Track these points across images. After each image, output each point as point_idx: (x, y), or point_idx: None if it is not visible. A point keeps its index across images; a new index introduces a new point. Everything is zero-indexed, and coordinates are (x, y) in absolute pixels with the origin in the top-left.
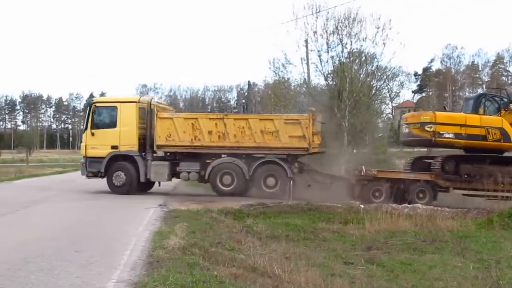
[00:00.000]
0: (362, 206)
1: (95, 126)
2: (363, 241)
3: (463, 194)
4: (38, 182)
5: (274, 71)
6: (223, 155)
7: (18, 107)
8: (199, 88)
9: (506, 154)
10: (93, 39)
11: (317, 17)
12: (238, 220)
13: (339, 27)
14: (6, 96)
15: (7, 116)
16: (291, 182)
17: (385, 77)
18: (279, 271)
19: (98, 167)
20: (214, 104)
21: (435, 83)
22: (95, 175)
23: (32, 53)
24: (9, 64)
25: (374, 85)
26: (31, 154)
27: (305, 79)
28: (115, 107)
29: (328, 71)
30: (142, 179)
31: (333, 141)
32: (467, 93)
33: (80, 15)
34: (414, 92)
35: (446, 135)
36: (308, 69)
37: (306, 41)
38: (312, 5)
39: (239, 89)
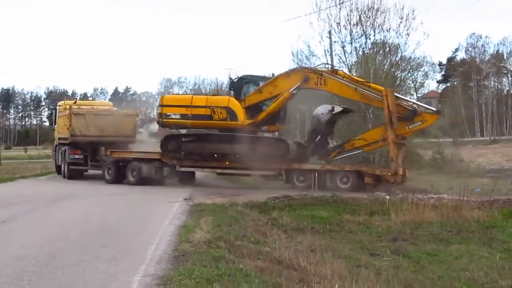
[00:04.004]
0: (388, 197)
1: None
2: (389, 233)
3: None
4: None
5: (298, 63)
6: None
7: (43, 103)
8: (223, 81)
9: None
10: (118, 34)
11: (340, 9)
12: (263, 213)
13: (362, 18)
14: (31, 93)
15: (32, 113)
16: (316, 173)
17: (409, 67)
18: (304, 263)
19: None
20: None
21: (460, 73)
22: None
23: (57, 49)
24: (34, 61)
25: (398, 75)
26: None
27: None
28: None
29: (352, 62)
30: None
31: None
32: (492, 83)
33: (104, 10)
34: (438, 82)
35: (173, 116)
36: (332, 61)
37: (330, 32)
38: None
39: None
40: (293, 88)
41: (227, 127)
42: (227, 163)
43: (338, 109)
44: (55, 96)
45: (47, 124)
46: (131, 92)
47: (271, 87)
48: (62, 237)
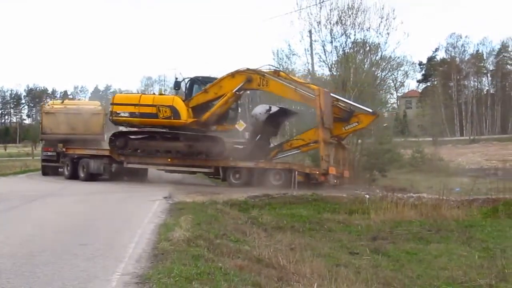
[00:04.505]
0: (368, 196)
1: None
2: (369, 231)
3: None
4: (43, 176)
5: (278, 62)
6: None
7: (23, 101)
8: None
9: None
10: (98, 32)
11: (320, 8)
12: (243, 211)
13: (342, 17)
14: (11, 90)
15: (12, 110)
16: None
17: (389, 67)
18: (284, 262)
19: None
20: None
21: (440, 73)
22: None
23: (37, 47)
24: (14, 59)
25: (378, 75)
26: (36, 147)
27: (309, 69)
28: None
29: (332, 61)
30: None
31: None
32: (472, 82)
33: (85, 8)
34: (419, 81)
35: (123, 114)
36: (312, 60)
37: (310, 31)
38: None
39: None
40: (236, 89)
41: (171, 125)
42: (169, 160)
43: (274, 109)
44: (35, 94)
45: (27, 122)
46: (111, 90)
47: (216, 88)
48: (41, 235)
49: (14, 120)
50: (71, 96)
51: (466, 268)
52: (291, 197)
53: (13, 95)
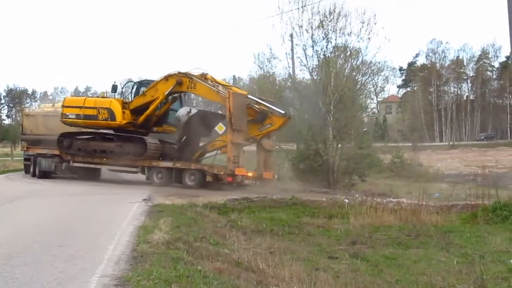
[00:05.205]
0: (347, 200)
1: None
2: (348, 236)
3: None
4: (22, 176)
5: (259, 66)
6: None
7: (2, 101)
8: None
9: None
10: (78, 32)
11: (302, 11)
12: (222, 214)
13: (324, 22)
14: None
15: None
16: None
17: (370, 71)
18: (263, 265)
19: None
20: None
21: (420, 78)
22: None
23: (17, 47)
24: None
25: (359, 79)
26: (16, 148)
27: (290, 73)
28: None
29: (313, 65)
30: None
31: (318, 135)
32: (452, 88)
33: (66, 8)
34: (399, 86)
35: (70, 116)
36: (293, 64)
37: (291, 35)
38: None
39: None
40: (167, 91)
41: (108, 126)
42: (105, 159)
43: (193, 111)
44: (14, 94)
45: (6, 122)
46: (91, 92)
47: (153, 91)
48: (20, 237)
49: None
50: (51, 97)
51: (445, 273)
52: (270, 201)
53: None
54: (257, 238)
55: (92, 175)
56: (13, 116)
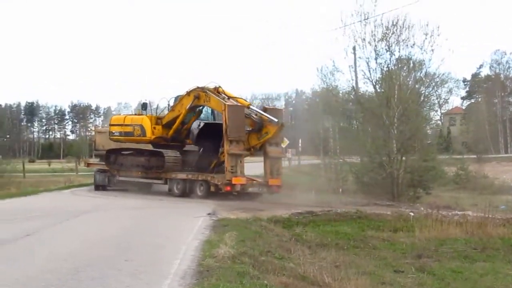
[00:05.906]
0: (412, 213)
1: None
2: (413, 249)
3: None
4: (87, 192)
5: (322, 79)
6: None
7: (67, 117)
8: (247, 96)
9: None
10: (143, 48)
11: (365, 24)
12: (287, 228)
13: (387, 34)
14: (55, 106)
15: (56, 126)
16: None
17: (433, 83)
18: (329, 279)
19: None
20: None
21: (484, 89)
22: None
23: (82, 64)
24: (59, 75)
25: (422, 92)
26: (80, 163)
27: (353, 86)
28: None
29: (376, 78)
30: None
31: (381, 148)
32: None
33: (128, 26)
34: (463, 98)
35: (115, 133)
36: (356, 76)
37: (354, 48)
38: (360, 12)
39: (287, 97)
40: (188, 106)
41: (141, 142)
42: (139, 173)
43: (201, 124)
44: (78, 110)
45: (70, 137)
46: (154, 106)
47: (179, 106)
48: (85, 251)
49: (58, 136)
50: (114, 112)
51: None
52: (334, 214)
53: (57, 111)
54: (322, 252)
55: (144, 188)
56: (77, 131)
